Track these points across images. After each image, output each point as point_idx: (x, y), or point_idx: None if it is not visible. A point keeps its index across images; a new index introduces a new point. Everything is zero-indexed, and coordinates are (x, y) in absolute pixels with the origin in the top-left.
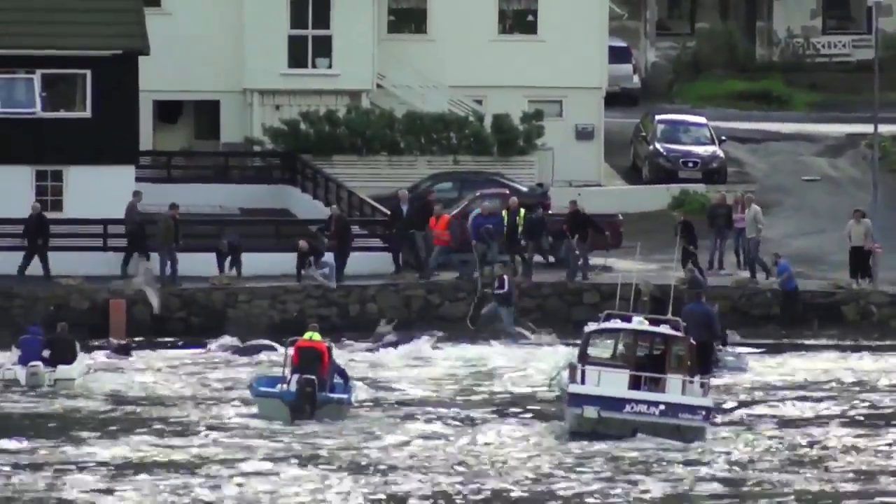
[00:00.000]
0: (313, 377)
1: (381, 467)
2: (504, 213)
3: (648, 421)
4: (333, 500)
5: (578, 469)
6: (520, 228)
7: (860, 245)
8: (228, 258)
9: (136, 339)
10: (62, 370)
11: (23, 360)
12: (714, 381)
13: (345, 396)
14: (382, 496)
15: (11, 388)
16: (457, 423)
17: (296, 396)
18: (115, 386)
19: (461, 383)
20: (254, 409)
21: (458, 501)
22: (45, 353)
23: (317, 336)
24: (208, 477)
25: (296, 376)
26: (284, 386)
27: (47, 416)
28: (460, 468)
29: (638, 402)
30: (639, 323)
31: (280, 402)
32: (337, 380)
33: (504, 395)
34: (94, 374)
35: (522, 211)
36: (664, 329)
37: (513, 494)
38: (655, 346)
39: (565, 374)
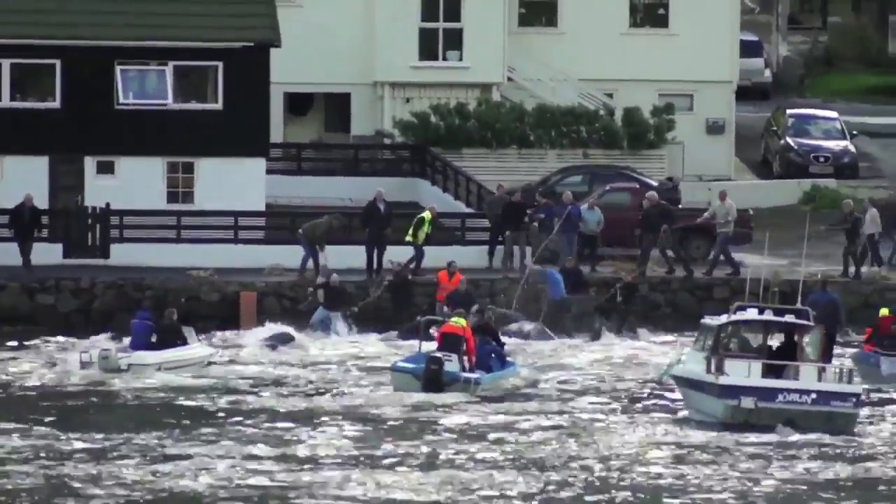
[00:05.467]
0: (440, 355)
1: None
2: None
3: (801, 410)
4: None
5: (740, 460)
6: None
7: None
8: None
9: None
10: (138, 356)
11: (132, 345)
12: None
13: (474, 376)
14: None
15: (89, 371)
16: (579, 416)
17: (423, 373)
18: (202, 376)
19: (578, 377)
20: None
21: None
22: (153, 339)
23: (461, 322)
24: (330, 466)
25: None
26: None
27: (120, 405)
28: (599, 464)
29: (790, 391)
30: (764, 313)
31: (412, 377)
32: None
33: (614, 389)
34: (207, 365)
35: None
36: (792, 318)
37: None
38: (773, 336)
39: (698, 367)
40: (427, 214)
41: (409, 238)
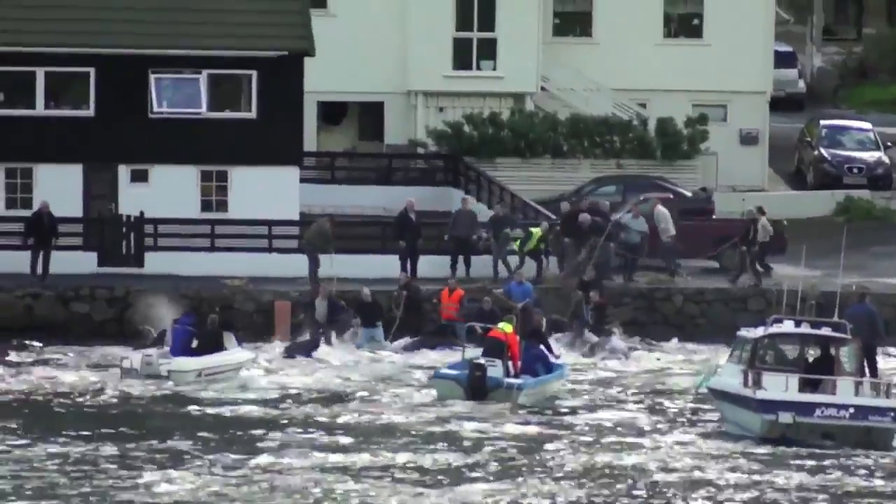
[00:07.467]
0: (483, 361)
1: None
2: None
3: (839, 424)
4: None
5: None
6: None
7: None
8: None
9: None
10: (178, 362)
11: (172, 350)
12: None
13: (517, 382)
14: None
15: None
16: (614, 426)
17: (466, 379)
18: (245, 386)
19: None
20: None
21: None
22: (194, 344)
23: (507, 328)
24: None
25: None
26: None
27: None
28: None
29: (828, 405)
30: (801, 326)
31: (455, 383)
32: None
33: (647, 401)
34: (247, 372)
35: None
36: (829, 331)
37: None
38: (810, 350)
39: (734, 380)
40: (538, 231)
41: (515, 247)
